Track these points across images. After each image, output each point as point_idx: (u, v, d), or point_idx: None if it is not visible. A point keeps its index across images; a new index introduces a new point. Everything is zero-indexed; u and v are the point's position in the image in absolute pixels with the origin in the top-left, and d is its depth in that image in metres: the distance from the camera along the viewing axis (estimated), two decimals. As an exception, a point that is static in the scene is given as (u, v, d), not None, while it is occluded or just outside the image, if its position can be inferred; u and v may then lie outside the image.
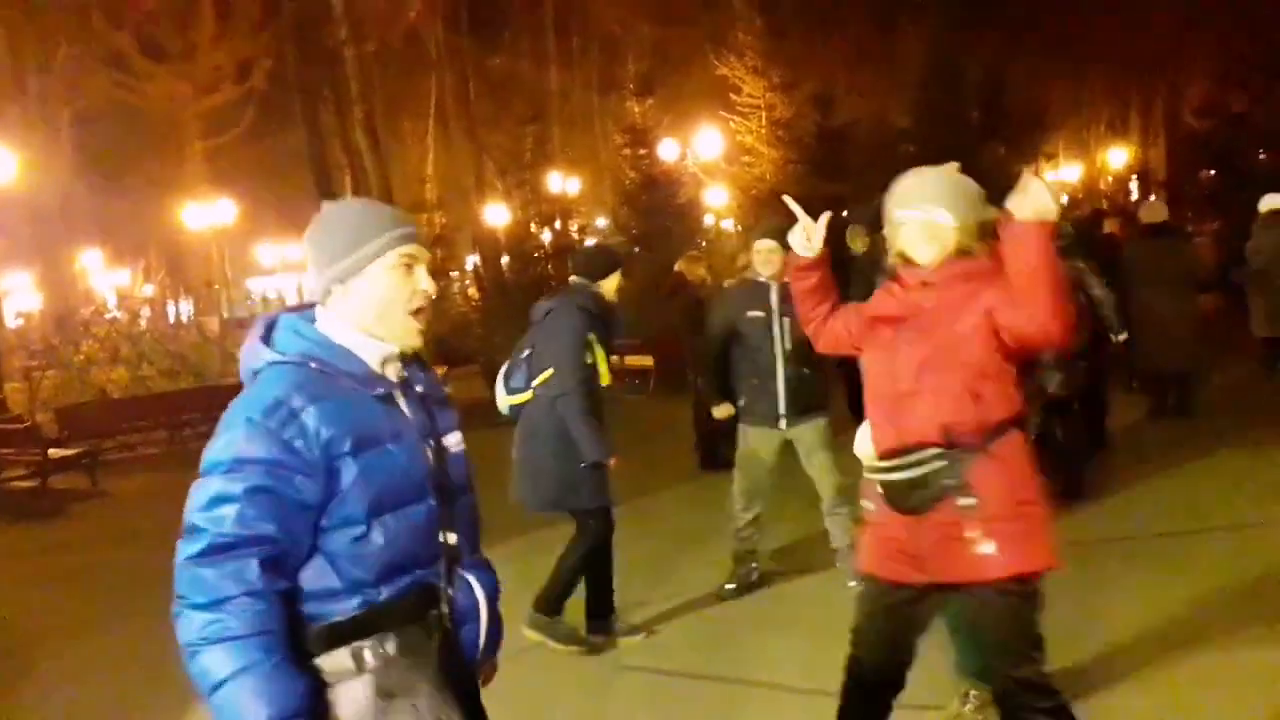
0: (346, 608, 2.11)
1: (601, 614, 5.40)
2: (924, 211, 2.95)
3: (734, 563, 5.99)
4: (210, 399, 15.30)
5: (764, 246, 5.62)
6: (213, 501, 2.02)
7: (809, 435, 5.68)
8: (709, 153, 23.53)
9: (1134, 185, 30.23)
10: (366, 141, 23.50)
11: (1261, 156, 18.74)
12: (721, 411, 6.08)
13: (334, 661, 2.10)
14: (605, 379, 5.20)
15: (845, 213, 12.82)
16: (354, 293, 2.20)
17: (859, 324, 3.19)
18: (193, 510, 2.04)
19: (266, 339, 2.19)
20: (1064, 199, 6.31)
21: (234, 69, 26.24)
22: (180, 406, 14.83)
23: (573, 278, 5.39)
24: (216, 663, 1.96)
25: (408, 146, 30.03)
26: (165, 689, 5.36)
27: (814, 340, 3.39)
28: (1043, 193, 2.70)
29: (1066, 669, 4.37)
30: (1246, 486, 7.01)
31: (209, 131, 27.24)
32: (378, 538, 2.12)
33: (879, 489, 3.02)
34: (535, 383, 5.19)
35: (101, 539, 9.32)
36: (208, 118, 27.06)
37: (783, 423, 5.69)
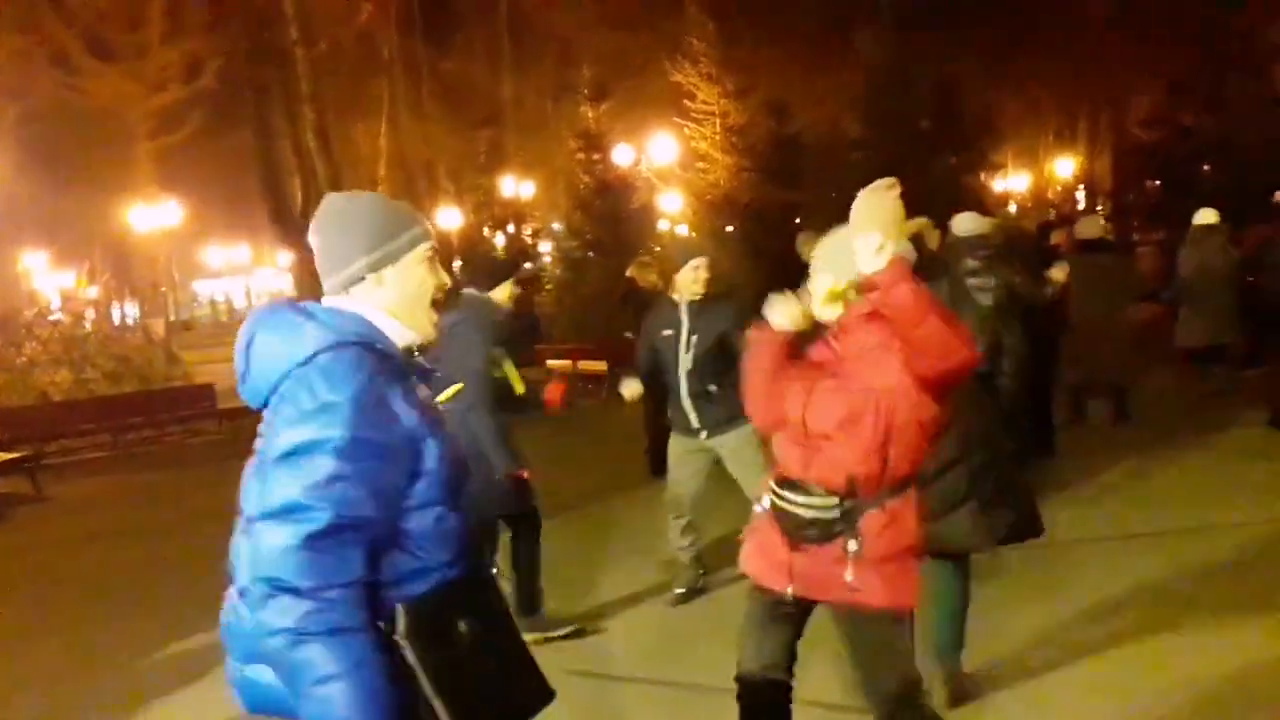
0: (421, 588, 2.11)
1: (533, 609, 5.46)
2: (820, 274, 3.08)
3: (680, 570, 6.01)
4: (154, 403, 15.13)
5: (693, 264, 5.68)
6: (330, 480, 1.97)
7: (730, 443, 5.68)
8: (663, 158, 23.57)
9: (1081, 195, 30.72)
10: (317, 143, 23.27)
11: (1206, 168, 19.10)
12: (629, 389, 6.02)
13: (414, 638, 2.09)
14: (519, 388, 5.23)
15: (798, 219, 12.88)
16: (387, 282, 2.21)
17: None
18: (303, 488, 1.97)
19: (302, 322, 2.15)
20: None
21: (183, 68, 25.90)
22: (124, 410, 14.62)
23: (466, 289, 5.38)
24: (325, 657, 1.92)
25: (359, 148, 29.81)
26: (111, 693, 5.29)
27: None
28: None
29: (1003, 663, 4.45)
30: (1179, 492, 7.16)
31: (157, 131, 26.86)
32: (454, 518, 2.16)
33: (773, 505, 3.12)
34: (442, 398, 5.19)
35: (44, 544, 9.13)
36: (156, 117, 26.68)
37: (702, 434, 5.74)
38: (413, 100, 28.16)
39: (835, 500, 2.97)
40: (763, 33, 23.41)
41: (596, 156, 21.00)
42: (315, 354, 2.09)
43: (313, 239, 2.27)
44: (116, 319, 29.23)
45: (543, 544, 5.50)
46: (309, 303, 2.22)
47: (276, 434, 2.05)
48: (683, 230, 23.42)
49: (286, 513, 1.97)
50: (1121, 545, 6.14)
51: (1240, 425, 9.04)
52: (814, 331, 3.21)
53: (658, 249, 16.66)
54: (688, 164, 23.39)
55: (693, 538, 5.97)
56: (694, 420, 5.72)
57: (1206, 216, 10.55)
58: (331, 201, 2.29)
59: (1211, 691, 4.18)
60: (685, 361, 5.68)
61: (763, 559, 3.16)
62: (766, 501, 3.16)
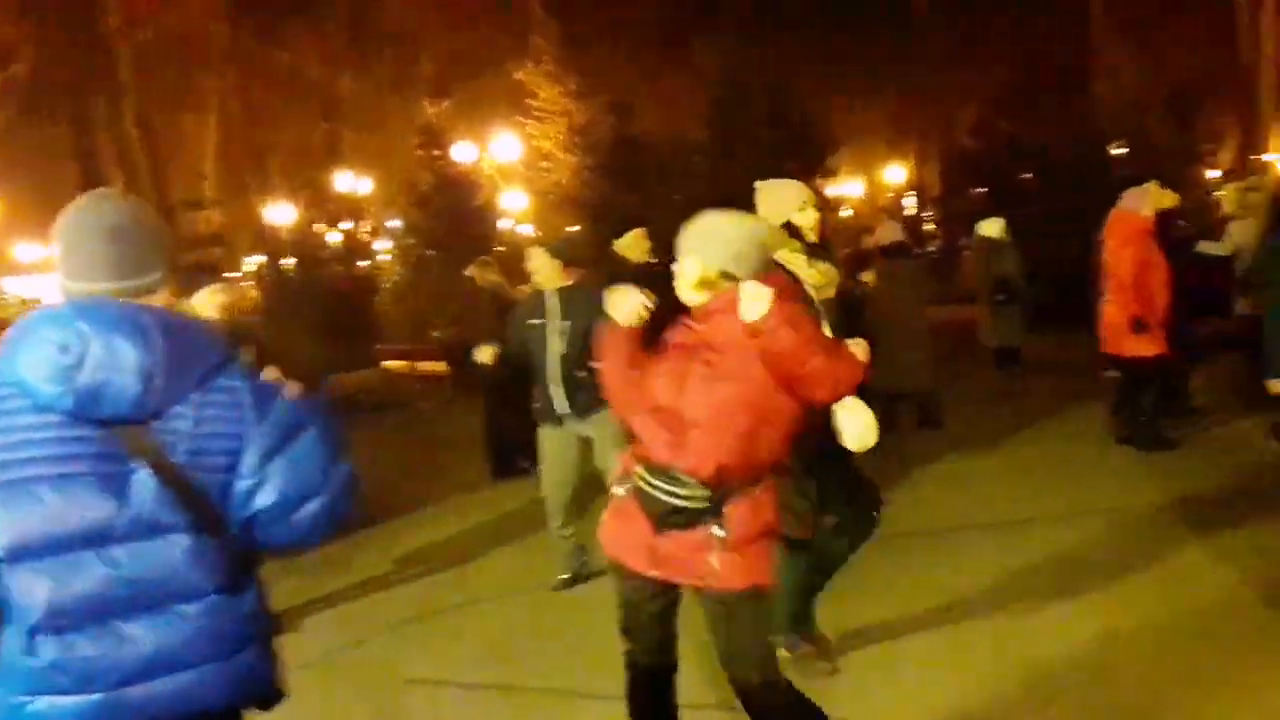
0: None
1: None
2: (688, 257, 3.08)
3: (562, 557, 6.03)
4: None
5: (535, 259, 5.89)
6: None
7: (596, 430, 5.75)
8: (506, 156, 23.32)
9: (913, 201, 31.78)
10: (139, 135, 22.17)
11: (1028, 176, 20.00)
12: (483, 353, 6.08)
13: None
14: None
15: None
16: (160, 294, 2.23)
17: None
18: None
19: None
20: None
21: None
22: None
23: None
24: None
25: (188, 141, 28.55)
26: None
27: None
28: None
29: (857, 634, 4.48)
30: (1001, 488, 7.31)
31: (-39, 121, 25.09)
32: None
33: (637, 488, 3.07)
34: None
35: None
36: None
37: (569, 422, 5.79)
38: (244, 92, 27.13)
39: (704, 490, 2.97)
40: (606, 34, 23.45)
41: (437, 153, 20.64)
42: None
43: (110, 238, 2.14)
44: (-84, 318, 27.16)
45: (388, 544, 5.34)
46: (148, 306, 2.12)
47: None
48: (526, 229, 23.22)
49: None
50: (958, 535, 6.28)
51: (1058, 423, 9.22)
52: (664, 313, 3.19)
53: (498, 248, 16.46)
54: (531, 163, 23.23)
55: (572, 528, 5.99)
56: (564, 406, 5.73)
57: (982, 228, 11.12)
58: (141, 206, 2.25)
59: (1045, 669, 4.29)
60: (556, 348, 5.72)
61: (626, 541, 3.13)
62: (628, 483, 3.11)
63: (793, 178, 4.70)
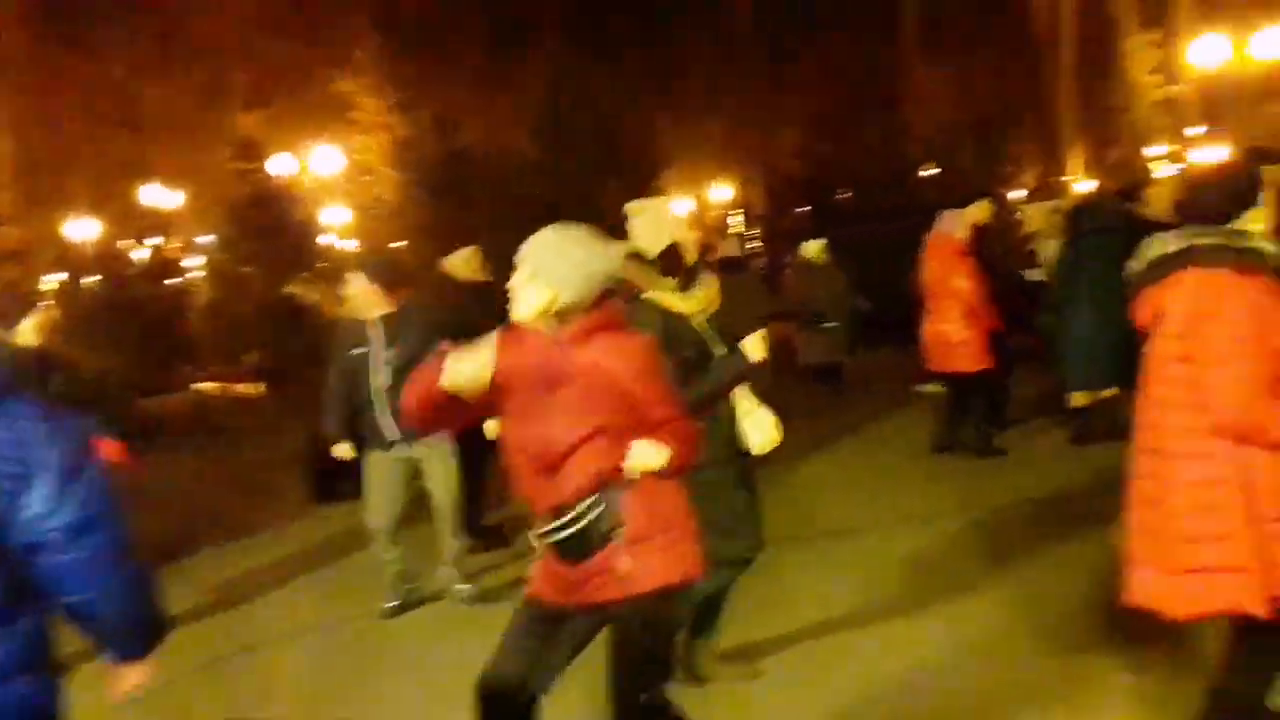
0: None
1: None
2: (535, 280, 2.94)
3: (389, 582, 5.81)
4: None
5: (353, 286, 5.71)
6: None
7: (426, 453, 5.65)
8: (326, 170, 22.67)
9: (740, 219, 32.46)
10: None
11: (847, 195, 20.74)
12: (341, 451, 5.92)
13: None
14: None
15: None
16: None
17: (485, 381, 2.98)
18: None
19: None
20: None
21: None
22: None
23: None
24: None
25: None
26: None
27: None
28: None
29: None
30: (831, 499, 7.42)
31: None
32: None
33: (546, 544, 3.00)
34: None
35: None
36: None
37: (399, 446, 5.62)
38: (44, 102, 25.53)
39: (591, 499, 2.92)
40: (430, 47, 23.11)
41: (252, 166, 19.92)
42: None
43: None
44: None
45: (205, 573, 5.04)
46: None
47: None
48: (350, 245, 22.62)
49: None
50: (788, 548, 6.29)
51: (880, 436, 9.41)
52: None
53: (318, 265, 15.96)
54: (353, 177, 22.68)
55: (398, 553, 5.79)
56: (394, 432, 5.56)
57: (809, 249, 11.52)
58: None
59: (899, 681, 4.30)
60: (381, 380, 5.55)
61: (544, 580, 3.07)
62: (536, 535, 3.04)
63: (619, 196, 4.67)
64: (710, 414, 3.93)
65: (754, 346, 4.08)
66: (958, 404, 8.15)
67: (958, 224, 7.84)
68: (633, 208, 4.13)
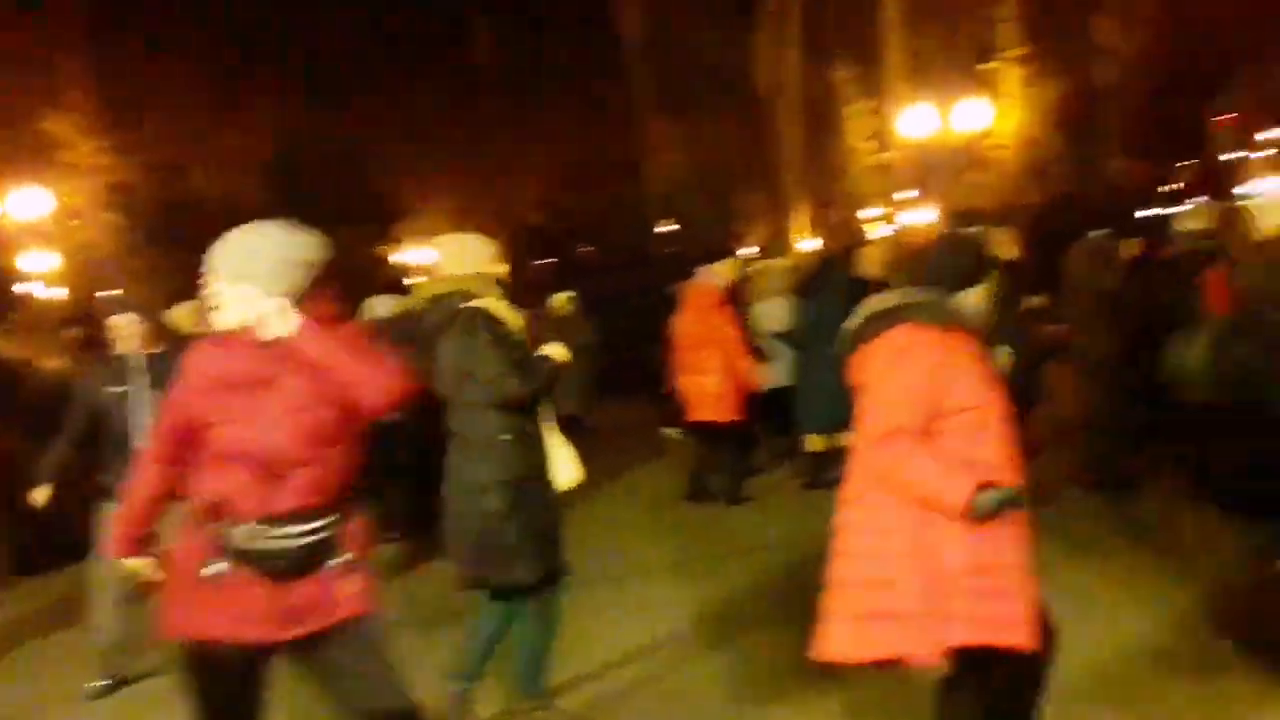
0: None
1: None
2: (237, 284, 2.87)
3: (103, 657, 5.29)
4: None
5: (119, 322, 5.36)
6: None
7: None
8: (30, 213, 20.85)
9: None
10: None
11: (589, 249, 21.10)
12: (40, 495, 5.38)
13: None
14: None
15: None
16: None
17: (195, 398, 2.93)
18: None
19: None
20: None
21: None
22: None
23: None
24: None
25: None
26: None
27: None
28: None
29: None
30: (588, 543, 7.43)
31: None
32: None
33: (246, 552, 2.80)
34: None
35: None
36: None
37: None
38: None
39: (326, 519, 2.86)
40: (153, 89, 21.89)
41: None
42: None
43: None
44: None
45: None
46: None
47: None
48: (60, 292, 20.88)
49: None
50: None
51: (627, 484, 9.44)
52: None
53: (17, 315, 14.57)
54: (61, 220, 21.02)
55: (122, 622, 5.23)
56: None
57: (557, 301, 12.23)
58: None
59: (764, 694, 4.46)
60: (144, 419, 5.07)
61: (232, 613, 2.81)
62: (221, 560, 2.80)
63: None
64: (533, 429, 4.23)
65: (557, 351, 4.29)
66: (708, 454, 8.29)
67: (714, 276, 8.00)
68: (440, 241, 4.52)
